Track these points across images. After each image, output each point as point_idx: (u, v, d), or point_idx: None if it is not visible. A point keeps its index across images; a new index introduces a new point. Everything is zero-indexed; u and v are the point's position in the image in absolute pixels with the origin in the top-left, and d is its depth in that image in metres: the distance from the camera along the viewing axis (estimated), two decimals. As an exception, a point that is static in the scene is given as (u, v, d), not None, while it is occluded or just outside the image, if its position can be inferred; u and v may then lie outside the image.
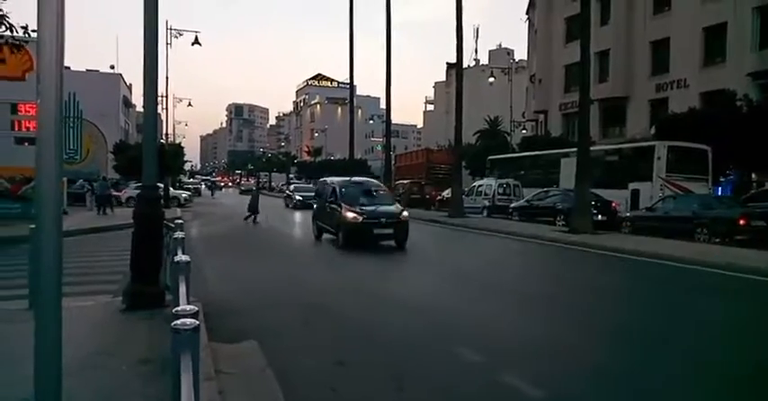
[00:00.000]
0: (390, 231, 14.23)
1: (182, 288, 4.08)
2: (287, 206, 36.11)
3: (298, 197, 33.96)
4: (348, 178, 17.06)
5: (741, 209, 16.65)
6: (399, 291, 9.11)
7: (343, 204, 14.43)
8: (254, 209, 23.07)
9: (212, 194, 62.85)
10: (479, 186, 29.03)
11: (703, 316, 7.65)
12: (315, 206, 18.08)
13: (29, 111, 19.60)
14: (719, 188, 24.63)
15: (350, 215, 14.03)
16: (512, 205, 25.15)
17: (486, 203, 27.13)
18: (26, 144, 19.14)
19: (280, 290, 8.96)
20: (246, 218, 23.12)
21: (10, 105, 19.82)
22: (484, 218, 25.08)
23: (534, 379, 4.80)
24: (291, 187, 40.89)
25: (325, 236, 16.27)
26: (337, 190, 15.30)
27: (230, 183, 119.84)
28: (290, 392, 4.48)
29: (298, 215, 28.59)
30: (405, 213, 14.74)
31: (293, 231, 21.45)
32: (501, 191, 27.30)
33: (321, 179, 20.48)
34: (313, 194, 30.47)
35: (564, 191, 21.80)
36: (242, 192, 66.80)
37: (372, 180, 19.59)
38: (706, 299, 9.02)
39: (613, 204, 20.40)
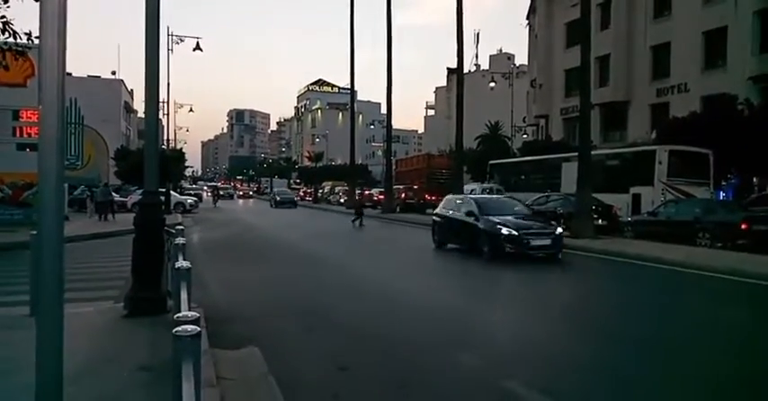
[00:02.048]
0: None
1: (183, 294, 4.07)
2: (435, 243, 16.38)
3: (506, 231, 13.02)
4: None
5: (743, 213, 16.59)
6: (410, 295, 9.06)
7: None
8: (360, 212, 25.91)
9: (215, 203, 49.74)
10: (466, 191, 29.58)
11: (713, 323, 7.64)
12: None
13: (30, 118, 19.63)
14: (721, 192, 24.58)
15: None
16: None
17: None
18: (28, 150, 19.15)
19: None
20: (355, 220, 25.18)
21: (11, 111, 19.84)
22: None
23: (534, 383, 4.78)
24: (468, 199, 16.41)
25: None
26: None
27: (252, 192, 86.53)
28: (291, 398, 4.46)
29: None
30: None
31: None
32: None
33: None
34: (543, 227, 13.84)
35: (564, 196, 21.87)
36: (278, 205, 46.42)
37: None
38: (712, 305, 8.98)
39: (613, 209, 20.38)
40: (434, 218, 17.14)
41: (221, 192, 60.89)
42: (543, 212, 22.47)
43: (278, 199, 47.68)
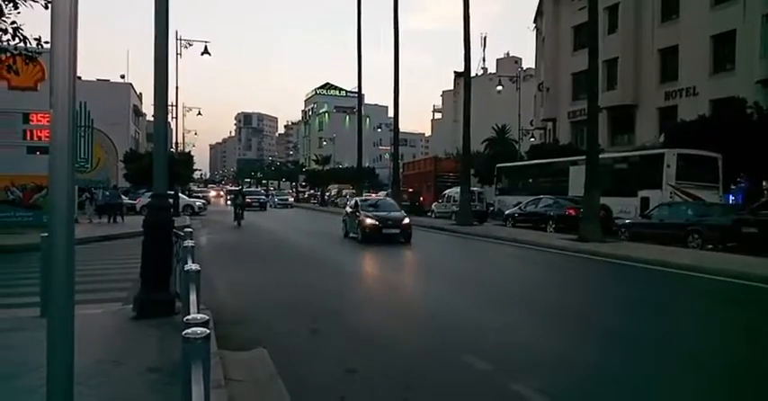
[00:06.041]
0: None
1: (192, 296, 4.09)
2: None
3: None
4: None
5: (734, 215, 16.97)
6: (419, 302, 9.04)
7: None
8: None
9: (238, 220, 26.39)
10: (449, 194, 32.24)
11: (724, 327, 7.59)
12: None
13: (41, 121, 19.75)
14: (731, 195, 24.44)
15: None
16: (506, 212, 26.61)
17: (455, 208, 29.24)
18: (38, 153, 19.26)
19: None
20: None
21: (22, 115, 19.98)
22: (491, 227, 25.31)
23: (545, 389, 4.76)
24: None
25: None
26: None
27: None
28: (299, 400, 4.47)
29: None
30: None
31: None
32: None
33: None
34: None
35: (555, 199, 22.47)
36: None
37: None
38: (722, 308, 8.93)
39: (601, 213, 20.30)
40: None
41: (248, 200, 36.30)
42: (534, 214, 22.88)
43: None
